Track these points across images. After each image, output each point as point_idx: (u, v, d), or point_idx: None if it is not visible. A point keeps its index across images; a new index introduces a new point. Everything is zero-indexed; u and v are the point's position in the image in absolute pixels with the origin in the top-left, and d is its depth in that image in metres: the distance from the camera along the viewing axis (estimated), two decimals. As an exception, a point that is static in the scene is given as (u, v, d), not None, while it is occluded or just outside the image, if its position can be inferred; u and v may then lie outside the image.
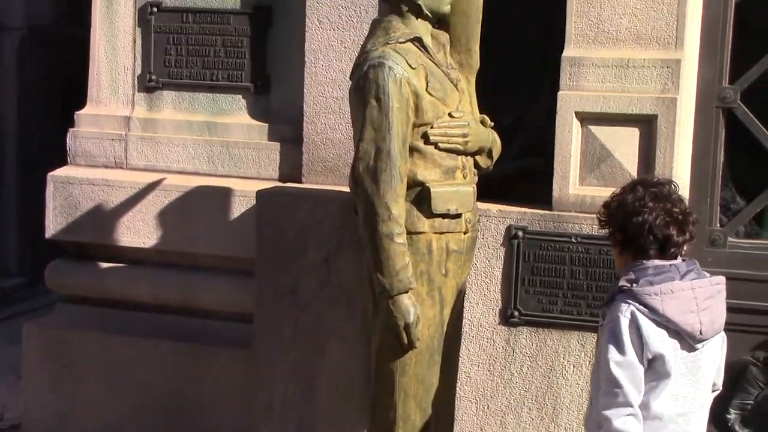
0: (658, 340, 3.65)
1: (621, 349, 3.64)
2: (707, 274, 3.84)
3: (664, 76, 5.20)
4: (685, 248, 3.83)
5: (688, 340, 3.69)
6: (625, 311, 3.66)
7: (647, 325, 3.65)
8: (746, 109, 5.44)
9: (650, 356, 3.65)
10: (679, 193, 3.89)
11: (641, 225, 3.72)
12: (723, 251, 5.48)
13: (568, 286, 5.30)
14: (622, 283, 3.72)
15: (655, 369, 3.67)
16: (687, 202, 3.93)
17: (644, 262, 3.75)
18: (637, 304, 3.66)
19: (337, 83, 5.57)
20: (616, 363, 3.64)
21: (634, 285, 3.68)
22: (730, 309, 3.91)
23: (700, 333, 3.69)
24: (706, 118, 5.45)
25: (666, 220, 3.72)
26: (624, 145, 5.23)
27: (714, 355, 3.84)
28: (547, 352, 5.36)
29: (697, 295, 3.71)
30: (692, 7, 5.26)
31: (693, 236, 3.82)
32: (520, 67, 5.44)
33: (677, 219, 3.74)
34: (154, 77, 6.28)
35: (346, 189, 4.79)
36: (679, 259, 3.79)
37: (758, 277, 5.35)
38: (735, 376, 5.32)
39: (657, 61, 5.21)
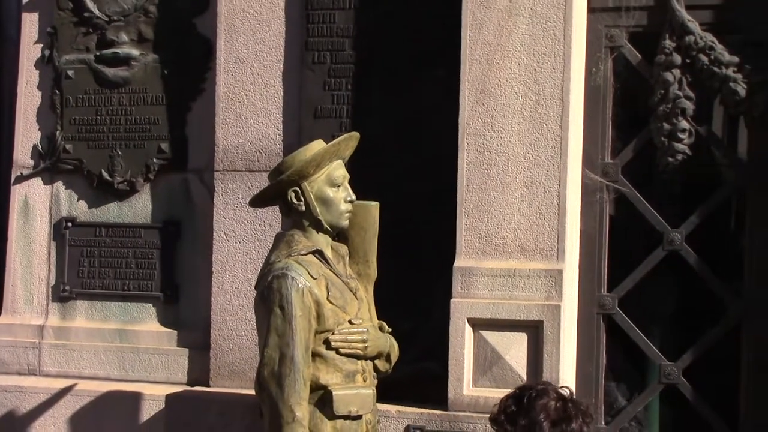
0: None
1: None
2: None
3: (548, 284, 5.25)
4: None
5: None
6: None
7: None
8: (624, 315, 5.50)
9: None
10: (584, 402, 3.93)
11: (549, 426, 3.76)
12: (609, 445, 5.48)
13: (462, 482, 5.26)
14: None
15: None
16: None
17: None
18: None
19: (243, 292, 5.57)
20: None
21: None
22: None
23: None
24: (588, 323, 5.47)
25: (570, 419, 3.77)
26: (513, 348, 5.24)
27: None
28: None
29: None
30: (571, 222, 5.34)
31: None
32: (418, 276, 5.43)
33: (579, 417, 3.79)
34: (67, 288, 6.24)
35: (252, 392, 4.70)
36: None
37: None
38: None
39: (541, 271, 5.27)
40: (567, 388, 3.99)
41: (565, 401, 3.82)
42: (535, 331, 5.24)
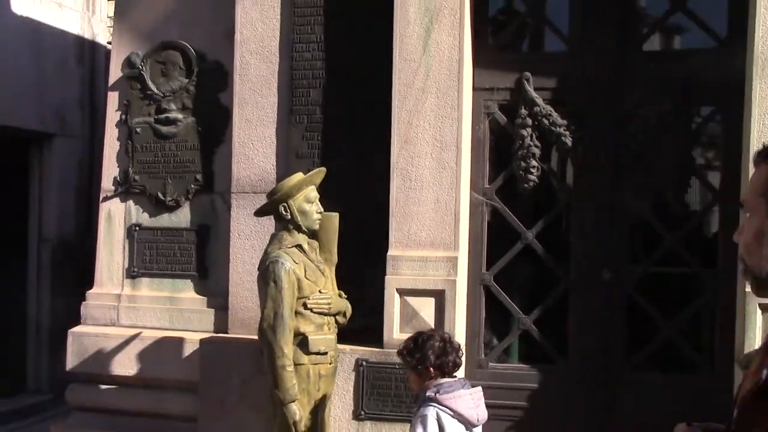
0: (453, 426, 3.71)
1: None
2: (475, 386, 3.93)
3: (448, 266, 5.23)
4: (459, 371, 3.93)
5: (469, 426, 3.75)
6: (431, 411, 3.72)
7: (446, 418, 3.73)
8: (497, 286, 5.48)
9: None
10: (455, 339, 4.01)
11: (434, 358, 3.82)
12: (486, 371, 5.44)
13: (394, 394, 5.20)
14: (428, 393, 3.76)
15: None
16: (461, 343, 4.01)
17: (439, 380, 3.80)
18: (439, 406, 3.72)
19: (249, 272, 5.49)
20: None
21: (437, 394, 3.73)
22: (488, 405, 3.93)
23: (477, 420, 3.76)
24: (473, 291, 5.46)
25: (447, 354, 3.82)
26: (426, 308, 5.20)
27: None
28: (382, 437, 5.26)
29: (473, 398, 3.77)
30: (463, 225, 5.32)
31: (460, 363, 3.94)
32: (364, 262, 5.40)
33: (454, 352, 3.81)
34: (135, 269, 6.15)
35: (256, 337, 4.69)
36: (456, 377, 3.87)
37: (507, 387, 5.32)
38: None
39: (443, 257, 5.23)
40: (447, 333, 4.09)
41: (445, 342, 3.94)
42: (439, 297, 5.19)
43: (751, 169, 4.64)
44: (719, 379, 5.04)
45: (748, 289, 4.61)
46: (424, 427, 3.71)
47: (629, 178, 5.26)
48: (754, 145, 4.74)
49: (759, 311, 4.74)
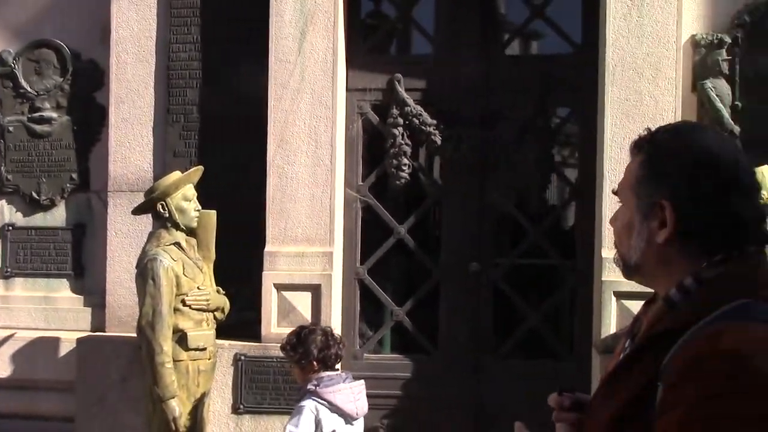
0: (332, 419, 3.77)
1: (297, 428, 3.76)
2: (358, 380, 4.03)
3: (323, 261, 5.34)
4: (339, 363, 3.99)
5: (349, 419, 3.82)
6: (309, 404, 3.77)
7: (324, 411, 3.77)
8: (371, 279, 5.62)
9: (327, 430, 3.75)
10: (335, 331, 4.09)
11: (317, 351, 3.87)
12: (361, 362, 5.58)
13: (273, 388, 5.28)
14: (309, 387, 3.82)
15: None
16: (341, 335, 4.11)
17: (321, 374, 3.86)
18: (318, 399, 3.77)
19: (127, 270, 5.42)
20: None
21: (317, 387, 3.79)
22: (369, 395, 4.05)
23: (356, 414, 3.83)
24: (348, 285, 5.57)
25: (329, 347, 3.89)
26: (302, 302, 5.29)
27: (361, 426, 3.94)
28: (262, 430, 5.31)
29: (353, 392, 3.84)
30: (338, 222, 5.44)
31: (342, 355, 3.99)
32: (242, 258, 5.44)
33: (336, 345, 3.91)
34: (9, 269, 6.01)
35: (134, 335, 4.68)
36: (338, 371, 3.94)
37: (382, 377, 5.46)
38: (370, 437, 5.40)
39: (319, 252, 5.34)
40: (329, 327, 4.12)
41: (327, 335, 3.96)
42: (316, 291, 5.30)
43: (607, 165, 4.96)
44: (579, 363, 5.33)
45: (604, 278, 4.93)
46: (299, 419, 3.77)
47: (495, 175, 5.49)
48: (608, 145, 5.05)
49: (614, 298, 5.02)
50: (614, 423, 1.63)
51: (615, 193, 1.80)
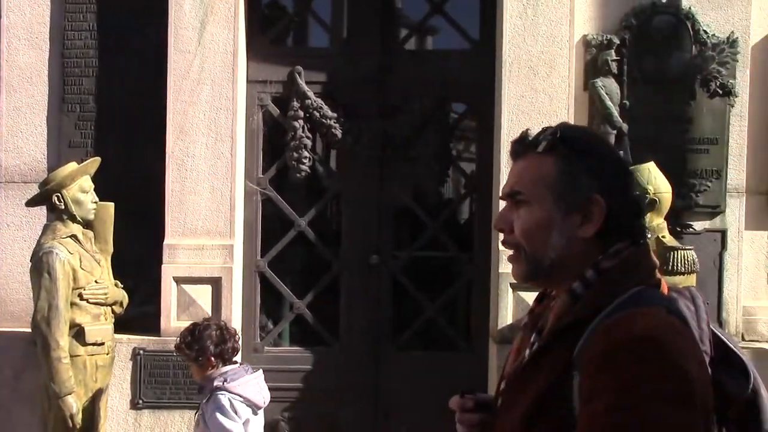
0: (245, 411, 3.79)
1: (232, 420, 3.78)
2: (258, 370, 4.06)
3: (224, 254, 5.31)
4: (238, 356, 4.03)
5: (256, 409, 3.85)
6: (225, 399, 3.78)
7: (237, 404, 3.79)
8: (271, 272, 5.61)
9: (243, 420, 3.76)
10: (230, 324, 4.14)
11: (213, 347, 3.87)
12: (262, 355, 5.56)
13: (172, 382, 5.22)
14: (216, 383, 3.82)
15: (247, 429, 3.86)
16: (237, 329, 4.13)
17: (223, 369, 3.86)
18: (230, 393, 3.77)
19: (21, 263, 5.27)
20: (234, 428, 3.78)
21: (225, 383, 3.79)
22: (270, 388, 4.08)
23: (263, 403, 3.87)
24: (249, 278, 5.56)
25: (225, 341, 3.89)
26: (202, 296, 5.26)
27: (262, 417, 3.98)
28: (161, 425, 5.23)
29: (257, 382, 3.87)
30: (238, 214, 5.41)
31: (238, 348, 4.02)
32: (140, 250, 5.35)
33: (231, 339, 3.91)
34: None
35: (28, 330, 4.58)
36: (236, 363, 3.95)
37: (283, 369, 5.46)
38: (272, 429, 5.38)
39: (219, 245, 5.31)
40: (222, 321, 4.13)
41: (221, 329, 3.98)
42: (216, 284, 5.28)
43: (503, 160, 5.07)
44: (476, 354, 5.46)
45: (501, 270, 5.06)
46: (227, 415, 3.78)
47: (394, 168, 5.56)
48: (504, 140, 5.18)
49: (510, 290, 5.18)
50: (527, 419, 1.69)
51: (509, 195, 1.80)
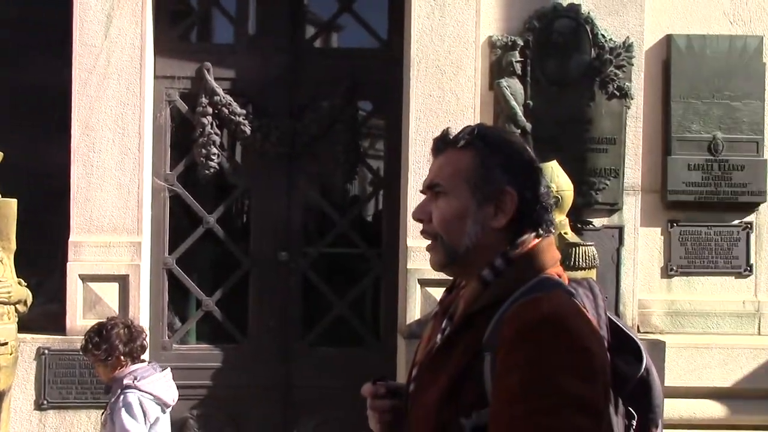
0: (154, 410, 3.74)
1: (135, 421, 3.73)
2: (166, 368, 4.05)
3: (131, 251, 5.25)
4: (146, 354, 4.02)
5: (165, 407, 3.82)
6: (134, 398, 3.74)
7: (147, 402, 3.75)
8: (180, 269, 5.56)
9: (152, 420, 3.72)
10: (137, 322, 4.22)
11: (122, 346, 3.83)
12: (171, 353, 5.52)
13: (78, 381, 5.14)
14: (126, 381, 3.78)
15: (156, 427, 3.82)
16: (145, 326, 4.10)
17: (132, 367, 3.83)
18: (140, 392, 3.74)
19: None
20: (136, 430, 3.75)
21: (135, 381, 3.75)
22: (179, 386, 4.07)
23: (172, 401, 3.85)
24: (157, 275, 5.50)
25: (134, 339, 3.86)
26: (109, 293, 5.20)
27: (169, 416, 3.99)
28: (67, 426, 5.15)
29: (166, 380, 3.87)
30: (146, 211, 5.36)
31: (146, 345, 3.99)
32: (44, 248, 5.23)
33: (139, 336, 3.88)
34: None
35: None
36: (144, 362, 3.93)
37: (192, 367, 5.42)
38: (180, 427, 5.34)
39: (127, 242, 5.25)
40: (128, 319, 4.11)
41: (129, 327, 3.94)
42: (123, 282, 5.21)
43: (412, 157, 5.15)
44: (385, 349, 5.53)
45: (409, 266, 5.15)
46: (131, 415, 3.76)
47: (303, 165, 5.60)
48: (412, 138, 5.26)
49: (419, 286, 5.26)
50: (441, 403, 1.79)
51: (429, 187, 1.92)
